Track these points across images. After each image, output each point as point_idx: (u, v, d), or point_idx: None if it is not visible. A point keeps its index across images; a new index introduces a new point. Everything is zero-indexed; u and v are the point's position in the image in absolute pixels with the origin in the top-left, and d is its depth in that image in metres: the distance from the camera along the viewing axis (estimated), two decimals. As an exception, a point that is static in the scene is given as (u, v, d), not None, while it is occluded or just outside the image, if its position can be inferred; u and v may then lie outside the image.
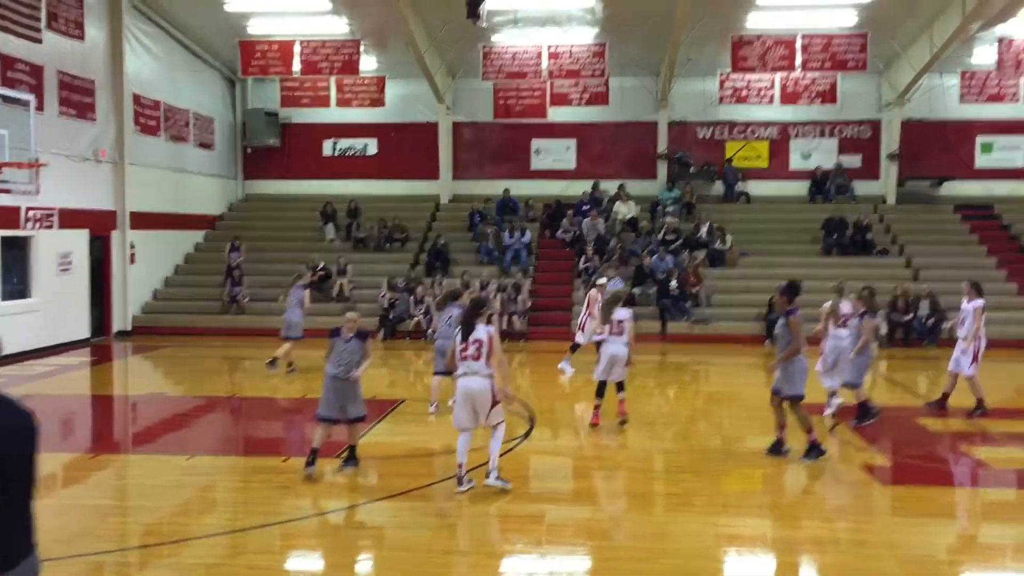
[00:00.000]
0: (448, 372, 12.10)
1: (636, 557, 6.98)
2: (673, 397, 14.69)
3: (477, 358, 8.46)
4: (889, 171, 25.99)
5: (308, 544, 7.50)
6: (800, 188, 26.31)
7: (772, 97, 24.16)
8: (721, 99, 24.46)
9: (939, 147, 25.82)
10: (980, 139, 26.09)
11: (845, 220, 23.74)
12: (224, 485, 9.22)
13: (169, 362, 18.61)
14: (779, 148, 26.62)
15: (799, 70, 22.33)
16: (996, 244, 23.82)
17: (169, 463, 9.78)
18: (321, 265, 22.55)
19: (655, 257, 22.11)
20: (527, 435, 11.14)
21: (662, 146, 26.36)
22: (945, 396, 12.69)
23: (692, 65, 24.05)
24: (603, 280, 15.33)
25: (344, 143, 27.64)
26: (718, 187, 26.44)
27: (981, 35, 22.16)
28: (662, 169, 26.44)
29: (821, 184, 26.01)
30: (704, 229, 23.61)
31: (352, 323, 9.24)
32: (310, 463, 9.00)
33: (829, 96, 23.71)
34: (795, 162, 26.60)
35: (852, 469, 9.79)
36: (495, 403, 8.47)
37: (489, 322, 10.50)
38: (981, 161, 26.22)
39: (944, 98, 25.35)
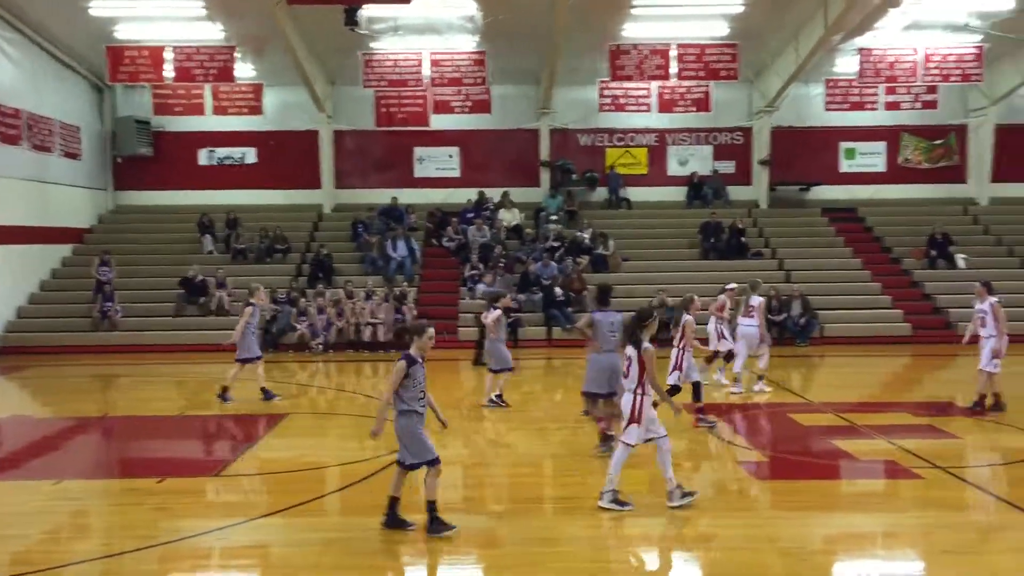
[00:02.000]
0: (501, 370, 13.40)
1: (524, 563, 6.99)
2: (560, 401, 14.82)
3: (626, 375, 8.29)
4: (761, 176, 26.98)
5: (187, 566, 7.21)
6: (678, 193, 27.05)
7: (650, 105, 24.69)
8: (601, 107, 24.85)
9: (807, 153, 26.99)
10: (844, 145, 27.40)
11: (721, 224, 24.52)
12: (96, 509, 8.79)
13: (35, 382, 17.70)
14: (657, 155, 27.29)
15: (674, 79, 22.95)
16: (861, 245, 25.04)
17: (35, 488, 9.26)
18: (199, 277, 21.89)
19: (539, 264, 22.33)
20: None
21: (544, 153, 26.66)
22: (982, 397, 12.72)
23: (573, 73, 24.39)
24: (733, 285, 15.04)
25: (222, 152, 26.90)
26: (600, 193, 26.90)
27: (843, 46, 23.27)
28: (545, 176, 26.74)
29: (698, 189, 26.78)
30: (587, 235, 23.97)
31: (432, 341, 7.66)
32: (400, 521, 7.69)
33: (703, 104, 24.38)
34: (672, 168, 27.34)
35: (730, 466, 10.11)
36: (631, 421, 8.17)
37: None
38: (845, 166, 27.53)
39: (810, 106, 26.53)
